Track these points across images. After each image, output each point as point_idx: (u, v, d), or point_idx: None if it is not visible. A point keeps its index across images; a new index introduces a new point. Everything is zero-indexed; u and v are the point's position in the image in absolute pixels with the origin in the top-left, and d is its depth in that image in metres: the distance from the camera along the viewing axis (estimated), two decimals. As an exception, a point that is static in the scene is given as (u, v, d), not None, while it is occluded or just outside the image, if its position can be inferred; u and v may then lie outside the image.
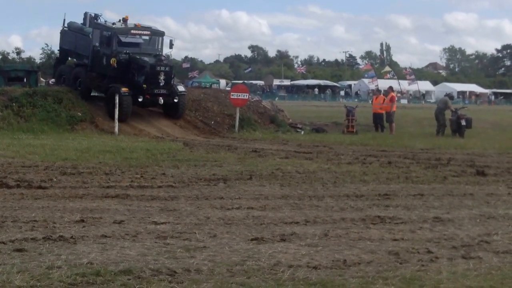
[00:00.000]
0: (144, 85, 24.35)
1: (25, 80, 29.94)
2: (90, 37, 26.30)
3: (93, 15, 27.87)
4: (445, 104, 27.18)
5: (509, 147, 21.00)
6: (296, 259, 7.10)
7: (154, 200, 10.52)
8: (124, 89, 24.43)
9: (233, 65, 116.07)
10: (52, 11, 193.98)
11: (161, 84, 24.66)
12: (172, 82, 25.33)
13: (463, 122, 25.40)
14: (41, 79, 38.40)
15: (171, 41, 26.40)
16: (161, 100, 24.98)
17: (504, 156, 18.79)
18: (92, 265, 6.57)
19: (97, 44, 25.64)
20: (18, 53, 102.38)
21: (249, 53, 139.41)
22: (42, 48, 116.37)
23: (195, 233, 8.19)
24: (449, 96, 30.42)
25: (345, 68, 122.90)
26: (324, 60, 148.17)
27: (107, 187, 11.73)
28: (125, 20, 25.96)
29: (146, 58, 24.88)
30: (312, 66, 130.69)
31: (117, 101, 23.56)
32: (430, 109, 45.57)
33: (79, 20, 28.73)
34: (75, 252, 7.09)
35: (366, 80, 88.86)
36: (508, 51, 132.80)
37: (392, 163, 16.17)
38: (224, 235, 8.15)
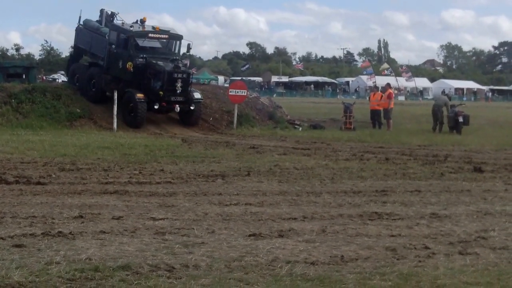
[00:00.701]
0: (161, 92, 23.51)
1: (24, 76, 29.93)
2: (107, 38, 25.35)
3: (109, 12, 26.99)
4: (443, 101, 27.18)
5: (506, 144, 21.04)
6: (293, 255, 7.13)
7: (153, 196, 10.55)
8: (139, 95, 23.55)
9: (232, 62, 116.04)
10: (51, 8, 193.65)
11: (178, 91, 23.77)
12: (189, 89, 24.35)
13: (461, 119, 25.43)
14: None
15: (188, 45, 25.55)
16: (178, 108, 24.03)
17: (501, 152, 18.83)
18: (91, 261, 6.59)
19: (113, 46, 24.78)
20: (17, 49, 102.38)
21: (247, 50, 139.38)
22: (42, 44, 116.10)
23: (193, 229, 8.22)
24: (448, 96, 30.41)
25: (342, 65, 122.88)
26: (322, 57, 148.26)
27: (105, 183, 11.75)
28: (142, 21, 25.08)
29: (163, 64, 23.95)
30: (310, 63, 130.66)
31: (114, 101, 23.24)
32: (428, 106, 45.54)
33: (88, 15, 28.28)
34: (73, 248, 7.12)
35: (364, 77, 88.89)
36: (505, 48, 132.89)
37: (390, 160, 16.20)
38: (222, 231, 8.17)
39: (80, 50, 27.97)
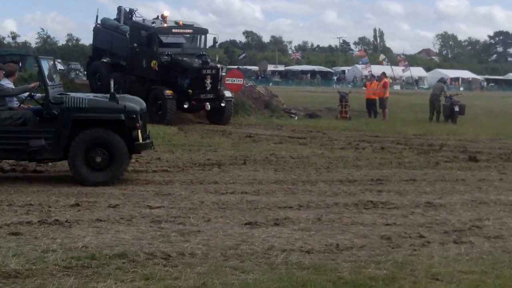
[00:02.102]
0: (190, 91, 21.90)
1: (20, 64, 29.85)
2: (127, 36, 23.90)
3: (127, 9, 25.85)
4: (441, 90, 27.18)
5: (501, 133, 21.10)
6: (289, 243, 7.16)
7: (149, 185, 10.57)
8: (168, 92, 21.98)
9: (228, 51, 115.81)
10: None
11: (208, 88, 22.15)
12: (218, 86, 22.76)
13: (456, 108, 25.46)
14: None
15: (214, 38, 24.34)
16: (208, 106, 22.39)
17: (496, 142, 18.89)
18: (87, 249, 6.62)
19: (135, 44, 23.18)
20: (14, 37, 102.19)
21: (243, 39, 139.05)
22: (38, 32, 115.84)
23: (190, 217, 8.25)
24: (443, 80, 30.43)
25: (338, 54, 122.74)
26: (318, 46, 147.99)
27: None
28: (163, 17, 23.66)
29: (190, 60, 22.49)
30: (306, 52, 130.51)
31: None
32: (423, 95, 45.61)
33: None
34: (70, 236, 7.14)
35: (359, 66, 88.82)
36: (501, 37, 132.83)
37: (385, 149, 16.24)
38: (218, 220, 8.20)
39: (100, 51, 26.35)
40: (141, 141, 10.78)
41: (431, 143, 17.72)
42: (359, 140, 18.08)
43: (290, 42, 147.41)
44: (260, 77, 77.78)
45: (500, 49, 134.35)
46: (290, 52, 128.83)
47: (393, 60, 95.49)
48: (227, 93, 23.24)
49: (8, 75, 11.34)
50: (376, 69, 65.83)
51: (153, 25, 23.11)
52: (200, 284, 5.69)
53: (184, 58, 22.58)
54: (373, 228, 8.02)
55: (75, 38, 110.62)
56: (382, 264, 6.41)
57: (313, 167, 12.95)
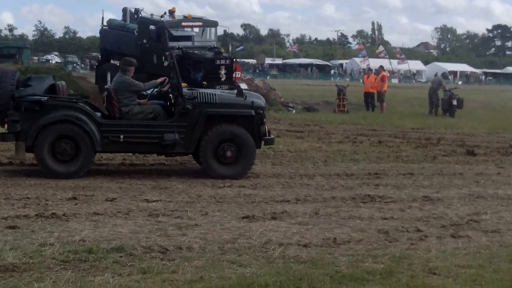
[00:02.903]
0: (205, 82, 20.84)
1: (17, 57, 29.79)
2: (135, 33, 23.38)
3: (132, 10, 25.29)
4: (439, 84, 27.16)
5: (499, 127, 21.12)
6: (286, 237, 7.16)
7: (146, 178, 10.56)
8: (183, 85, 21.32)
9: (226, 43, 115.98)
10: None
11: (223, 79, 21.43)
12: (233, 78, 22.13)
13: (455, 102, 25.46)
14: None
15: (225, 31, 24.13)
16: None
17: (493, 135, 18.90)
18: (85, 243, 6.61)
19: (144, 41, 22.60)
20: (11, 30, 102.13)
21: (241, 32, 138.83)
22: (35, 25, 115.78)
23: (187, 211, 8.24)
24: (444, 75, 30.42)
25: (336, 47, 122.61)
26: (316, 39, 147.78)
27: (99, 165, 11.76)
28: (171, 12, 23.23)
29: (202, 52, 21.92)
30: (304, 45, 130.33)
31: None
32: (421, 89, 45.57)
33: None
34: (67, 230, 7.13)
35: (357, 59, 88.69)
36: (499, 31, 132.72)
37: (383, 142, 16.24)
38: (215, 213, 8.20)
39: (108, 53, 25.87)
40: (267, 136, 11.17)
41: (429, 137, 17.72)
42: (356, 134, 18.08)
43: (288, 35, 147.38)
44: (257, 70, 77.67)
45: (498, 42, 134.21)
46: (288, 45, 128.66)
47: (392, 53, 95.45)
48: (243, 86, 22.31)
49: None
50: (374, 63, 65.78)
51: (161, 19, 22.68)
52: (197, 277, 5.69)
53: (195, 51, 22.05)
54: (371, 222, 8.02)
55: (72, 31, 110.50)
56: (379, 258, 6.41)
57: (311, 161, 12.95)
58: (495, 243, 7.25)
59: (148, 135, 10.61)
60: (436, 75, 29.71)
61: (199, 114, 10.66)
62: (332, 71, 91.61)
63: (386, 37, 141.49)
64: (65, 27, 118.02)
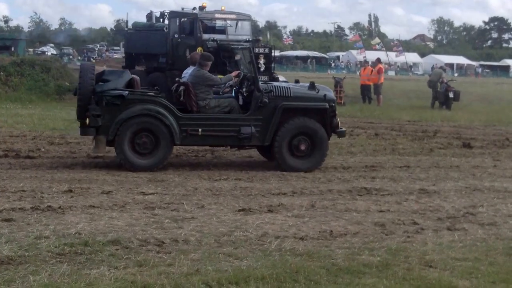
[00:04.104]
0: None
1: (12, 49, 29.67)
2: (165, 30, 22.78)
3: (157, 14, 24.78)
4: (438, 77, 27.10)
5: (495, 120, 21.12)
6: (283, 230, 7.16)
7: (142, 171, 10.53)
8: (220, 76, 20.40)
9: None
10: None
11: (262, 69, 20.50)
12: (272, 68, 21.56)
13: (451, 95, 25.42)
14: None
15: (257, 26, 23.39)
16: None
17: (490, 128, 18.91)
18: (80, 235, 6.60)
19: (176, 35, 22.00)
20: (6, 21, 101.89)
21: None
22: (31, 16, 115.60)
23: (183, 204, 8.23)
24: (443, 68, 30.38)
25: (333, 39, 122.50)
26: (312, 31, 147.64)
27: (95, 157, 11.73)
28: (202, 8, 22.35)
29: (239, 43, 20.65)
30: (301, 37, 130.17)
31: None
32: (418, 81, 45.62)
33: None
34: (63, 222, 7.11)
35: (354, 51, 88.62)
36: (496, 23, 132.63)
37: (379, 135, 16.24)
38: (211, 206, 8.19)
39: (133, 57, 24.90)
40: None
41: (425, 130, 17.73)
42: (353, 126, 18.05)
43: (285, 27, 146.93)
44: (254, 63, 77.31)
45: (495, 35, 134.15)
46: (285, 37, 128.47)
47: (388, 45, 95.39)
48: (282, 78, 21.81)
49: (194, 63, 11.59)
50: (371, 55, 65.75)
51: (194, 11, 22.14)
52: (193, 270, 5.68)
53: (230, 43, 20.92)
54: (367, 214, 8.02)
55: (68, 22, 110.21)
56: (375, 251, 6.41)
57: (307, 153, 12.91)
58: (491, 235, 7.25)
59: (226, 129, 10.81)
60: (433, 67, 29.66)
61: (275, 108, 10.85)
62: (332, 64, 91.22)
63: (382, 29, 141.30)
64: (61, 19, 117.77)
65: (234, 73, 11.54)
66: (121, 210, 7.80)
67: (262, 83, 11.17)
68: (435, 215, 8.09)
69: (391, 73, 74.38)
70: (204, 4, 22.57)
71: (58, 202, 8.05)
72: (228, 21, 22.71)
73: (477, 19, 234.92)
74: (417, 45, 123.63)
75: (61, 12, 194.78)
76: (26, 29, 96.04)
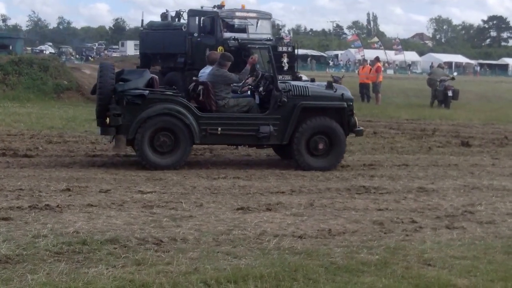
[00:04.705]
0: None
1: (10, 47, 29.60)
2: (184, 29, 22.12)
3: (173, 14, 24.11)
4: (440, 75, 26.96)
5: (494, 118, 21.11)
6: (281, 228, 7.15)
7: (141, 169, 10.52)
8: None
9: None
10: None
11: (285, 68, 20.17)
12: (296, 67, 21.03)
13: (450, 93, 25.42)
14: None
15: (278, 25, 22.76)
16: None
17: (488, 127, 18.90)
18: (78, 234, 6.57)
19: (195, 34, 21.23)
20: (4, 20, 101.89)
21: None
22: (29, 15, 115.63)
23: (182, 202, 8.22)
24: (441, 66, 30.34)
25: (332, 38, 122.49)
26: (311, 29, 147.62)
27: (93, 156, 11.73)
28: (221, 6, 21.76)
29: (261, 42, 20.31)
30: (300, 36, 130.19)
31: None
32: (416, 80, 45.60)
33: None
34: (61, 221, 7.09)
35: (353, 50, 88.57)
36: (494, 22, 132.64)
37: (378, 133, 16.23)
38: (210, 205, 8.18)
39: (148, 57, 24.11)
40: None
41: (424, 128, 17.72)
42: (352, 125, 18.00)
43: (284, 26, 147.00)
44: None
45: (493, 33, 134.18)
46: (283, 35, 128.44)
47: (387, 44, 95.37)
48: (304, 77, 21.19)
49: (211, 62, 11.61)
50: (369, 53, 65.72)
51: (214, 9, 21.48)
52: (192, 269, 5.67)
53: (253, 41, 20.57)
54: (365, 213, 8.01)
55: (66, 21, 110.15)
56: (374, 249, 6.40)
57: (306, 152, 12.90)
58: (490, 234, 7.24)
59: (245, 128, 10.88)
60: (432, 66, 29.66)
61: (293, 107, 10.90)
62: (331, 63, 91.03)
63: (381, 28, 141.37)
64: (59, 17, 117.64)
65: (249, 65, 11.45)
66: (119, 209, 7.79)
67: (280, 83, 11.20)
68: (433, 214, 8.08)
69: (390, 71, 74.37)
70: (222, 3, 22.05)
71: (56, 201, 8.03)
72: (249, 20, 22.03)
73: (476, 18, 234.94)
74: (416, 43, 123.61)
75: (59, 11, 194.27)
76: (24, 28, 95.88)
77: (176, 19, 23.94)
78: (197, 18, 21.62)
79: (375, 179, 10.34)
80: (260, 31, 21.97)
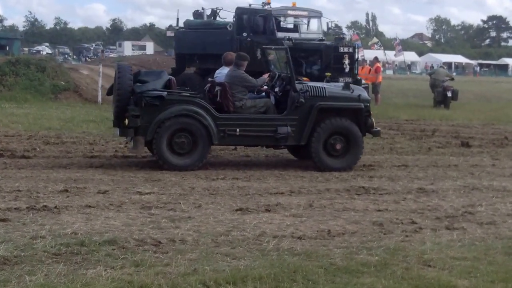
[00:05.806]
0: (328, 74, 17.93)
1: (7, 48, 29.55)
2: (229, 28, 21.02)
3: (208, 12, 22.99)
4: (443, 76, 26.89)
5: (494, 119, 21.09)
6: (280, 229, 7.12)
7: (139, 170, 10.50)
8: (305, 79, 17.06)
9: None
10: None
11: (346, 70, 19.26)
12: (356, 69, 20.05)
13: (449, 94, 25.40)
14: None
15: (328, 24, 22.45)
16: None
17: (488, 127, 18.87)
18: (77, 235, 6.55)
19: (244, 34, 20.18)
20: (0, 21, 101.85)
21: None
22: (25, 16, 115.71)
23: (180, 203, 8.19)
24: (441, 67, 30.31)
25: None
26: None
27: (91, 157, 11.70)
28: (267, 4, 20.76)
29: (318, 42, 19.98)
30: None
31: None
32: (416, 80, 45.60)
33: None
34: (59, 222, 7.06)
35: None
36: (494, 22, 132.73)
37: (377, 134, 16.17)
38: (209, 206, 8.15)
39: (185, 58, 23.09)
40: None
41: (424, 129, 17.70)
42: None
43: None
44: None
45: (493, 33, 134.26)
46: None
47: (386, 44, 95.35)
48: (363, 81, 20.63)
49: (227, 63, 11.63)
50: (369, 54, 65.69)
51: (266, 8, 20.44)
52: (191, 270, 5.64)
53: (310, 42, 20.09)
54: (365, 214, 7.98)
55: (63, 22, 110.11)
56: (374, 250, 6.37)
57: (305, 153, 12.88)
58: (490, 235, 7.22)
59: (263, 129, 10.91)
60: (432, 66, 29.64)
61: (310, 108, 10.91)
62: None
63: (380, 28, 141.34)
64: (55, 18, 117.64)
65: (266, 74, 11.63)
66: (117, 210, 7.76)
67: (297, 83, 11.19)
68: (433, 214, 8.05)
69: (389, 72, 74.36)
70: (268, 0, 21.09)
71: (54, 202, 8.00)
72: (301, 18, 21.46)
73: (475, 18, 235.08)
74: (415, 44, 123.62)
75: (56, 12, 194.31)
76: (21, 29, 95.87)
77: (212, 17, 22.98)
78: (245, 17, 20.61)
79: (374, 179, 10.31)
80: (311, 30, 21.46)
